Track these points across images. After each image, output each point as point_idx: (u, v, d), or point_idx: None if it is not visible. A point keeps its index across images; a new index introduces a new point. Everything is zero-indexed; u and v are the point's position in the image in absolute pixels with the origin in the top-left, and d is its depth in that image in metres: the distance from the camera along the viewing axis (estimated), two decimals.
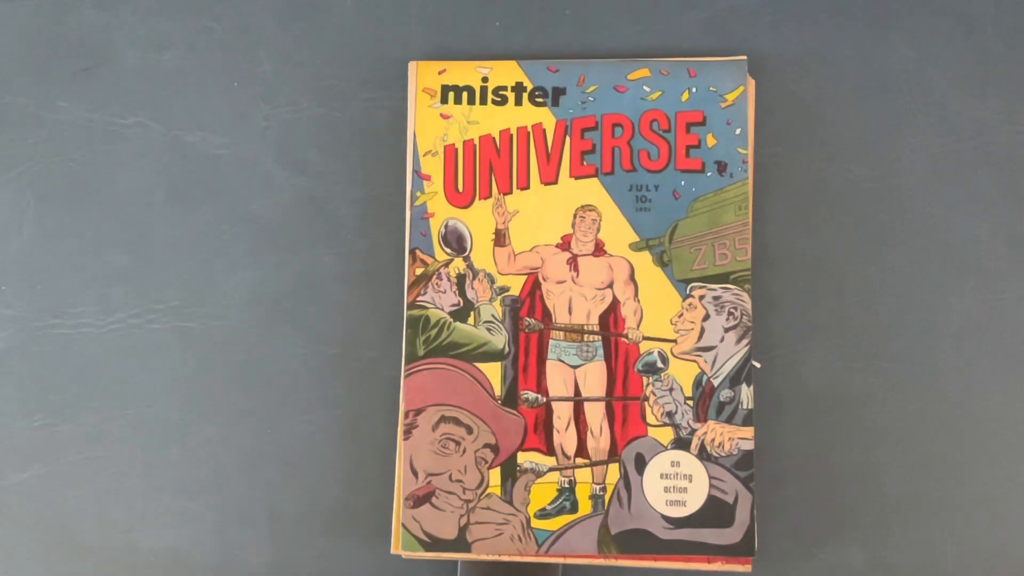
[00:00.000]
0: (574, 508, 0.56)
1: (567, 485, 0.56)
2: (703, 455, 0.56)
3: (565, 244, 0.58)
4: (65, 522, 0.58)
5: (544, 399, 0.57)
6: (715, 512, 0.55)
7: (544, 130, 0.58)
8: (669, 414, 0.56)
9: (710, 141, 0.58)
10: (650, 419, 0.56)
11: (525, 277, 0.57)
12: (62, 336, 0.59)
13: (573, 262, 0.57)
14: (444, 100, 0.59)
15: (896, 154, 0.59)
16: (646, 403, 0.56)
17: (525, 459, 0.56)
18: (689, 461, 0.56)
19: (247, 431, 0.58)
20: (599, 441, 0.56)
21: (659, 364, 0.56)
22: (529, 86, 0.59)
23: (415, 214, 0.58)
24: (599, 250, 0.57)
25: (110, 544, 0.58)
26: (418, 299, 0.57)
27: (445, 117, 0.59)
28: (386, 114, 0.60)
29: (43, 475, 0.58)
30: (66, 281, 0.60)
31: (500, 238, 0.58)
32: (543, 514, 0.56)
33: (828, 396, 0.58)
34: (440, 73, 0.59)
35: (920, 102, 0.59)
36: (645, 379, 0.56)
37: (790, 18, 0.60)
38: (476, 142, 0.58)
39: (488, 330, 0.57)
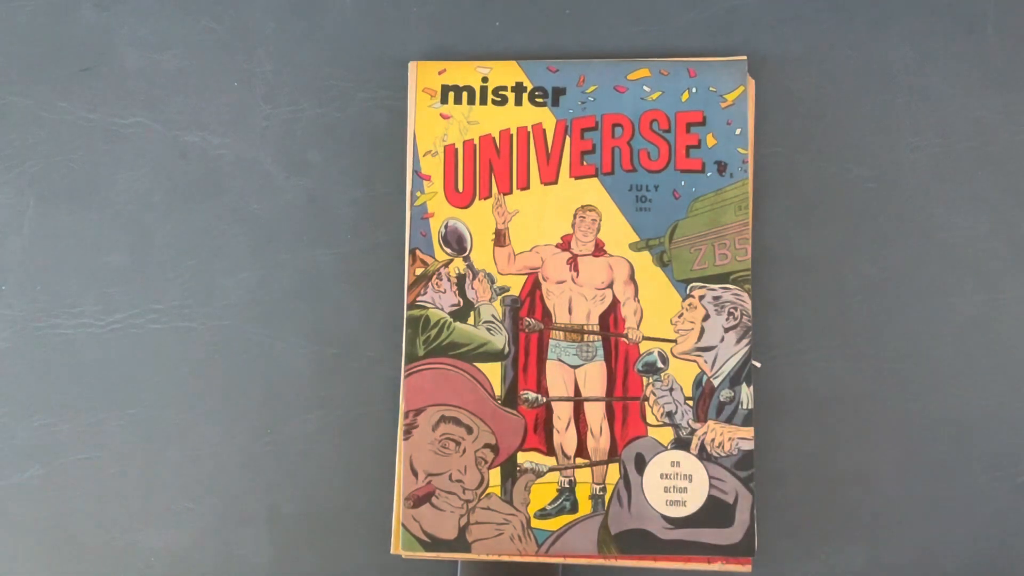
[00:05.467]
0: (574, 508, 0.56)
1: (567, 485, 0.56)
2: (703, 455, 0.56)
3: (565, 244, 0.58)
4: (65, 522, 0.58)
5: (544, 399, 0.57)
6: (715, 512, 0.55)
7: (544, 130, 0.58)
8: (669, 414, 0.56)
9: (710, 141, 0.58)
10: (650, 419, 0.56)
11: (525, 277, 0.57)
12: (62, 336, 0.59)
13: (573, 262, 0.57)
14: (444, 100, 0.59)
15: (896, 154, 0.59)
16: (646, 403, 0.56)
17: (525, 459, 0.56)
18: (689, 461, 0.56)
19: (247, 431, 0.58)
20: (599, 441, 0.56)
21: (659, 364, 0.56)
22: (529, 86, 0.59)
23: (415, 214, 0.58)
24: (599, 250, 0.57)
25: (110, 544, 0.58)
26: (418, 299, 0.57)
27: (445, 117, 0.59)
28: (386, 114, 0.60)
29: (43, 475, 0.58)
30: (66, 281, 0.60)
31: (500, 238, 0.58)
32: (543, 514, 0.56)
33: (828, 396, 0.58)
34: (440, 73, 0.59)
35: (920, 102, 0.59)
36: (645, 379, 0.56)
37: (790, 18, 0.60)
38: (476, 142, 0.58)
39: (488, 330, 0.57)
